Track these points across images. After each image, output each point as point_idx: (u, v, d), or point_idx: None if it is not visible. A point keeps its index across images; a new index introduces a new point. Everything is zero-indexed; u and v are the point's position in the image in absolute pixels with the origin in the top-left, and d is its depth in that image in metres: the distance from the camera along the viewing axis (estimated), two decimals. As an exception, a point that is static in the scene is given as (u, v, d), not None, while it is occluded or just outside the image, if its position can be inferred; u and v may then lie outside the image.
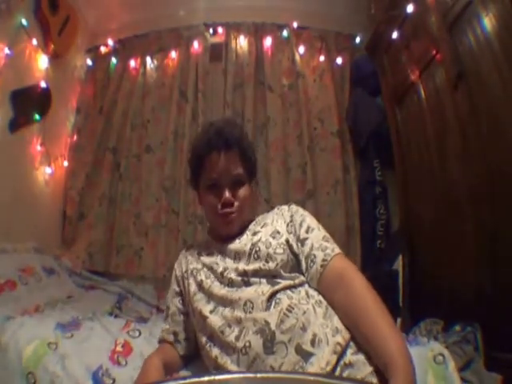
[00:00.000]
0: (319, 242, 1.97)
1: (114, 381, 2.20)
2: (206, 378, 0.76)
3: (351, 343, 1.62)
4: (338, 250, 1.94)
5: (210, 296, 1.97)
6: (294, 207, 2.29)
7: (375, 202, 4.83)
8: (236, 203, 2.17)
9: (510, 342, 2.51)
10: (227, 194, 2.14)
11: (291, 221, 2.18)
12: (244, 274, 1.94)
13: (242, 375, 0.79)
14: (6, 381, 2.32)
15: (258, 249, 2.02)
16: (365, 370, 1.51)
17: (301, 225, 2.12)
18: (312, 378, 0.69)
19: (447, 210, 3.37)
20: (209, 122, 2.43)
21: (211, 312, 1.90)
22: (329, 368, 1.47)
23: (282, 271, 1.90)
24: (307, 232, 2.07)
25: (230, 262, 2.07)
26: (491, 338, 2.63)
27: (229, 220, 2.17)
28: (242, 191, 2.21)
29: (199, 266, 2.20)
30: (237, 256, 2.08)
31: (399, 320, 3.68)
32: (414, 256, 3.83)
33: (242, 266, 1.98)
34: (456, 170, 3.24)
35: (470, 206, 3.05)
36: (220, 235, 2.29)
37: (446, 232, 3.40)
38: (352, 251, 4.97)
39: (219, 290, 1.94)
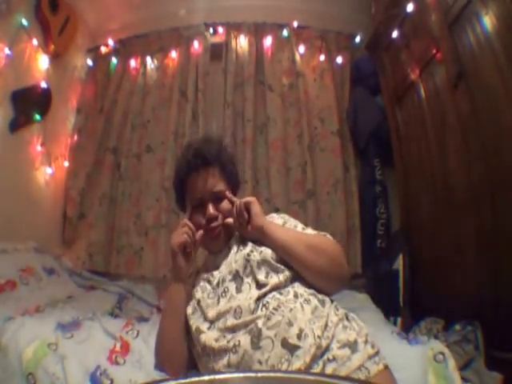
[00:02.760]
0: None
1: (111, 381, 2.20)
2: (206, 378, 0.76)
3: (337, 338, 1.68)
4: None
5: (206, 316, 2.00)
6: (284, 216, 2.45)
7: (375, 202, 4.83)
8: (220, 216, 2.27)
9: (510, 341, 2.51)
10: (211, 209, 2.24)
11: (284, 223, 2.34)
12: (236, 274, 2.06)
13: (242, 374, 0.79)
14: (6, 382, 2.32)
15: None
16: (350, 365, 1.57)
17: (295, 226, 2.31)
18: (312, 377, 0.69)
19: (447, 210, 3.38)
20: (187, 142, 2.56)
21: (208, 329, 1.95)
22: (309, 360, 1.56)
23: (269, 256, 2.03)
24: (303, 230, 2.27)
25: (223, 270, 2.16)
26: (491, 337, 2.64)
27: (215, 234, 2.28)
28: (226, 205, 2.29)
29: (198, 282, 2.26)
30: (231, 263, 2.16)
31: (400, 319, 3.68)
32: (415, 255, 3.83)
33: (233, 266, 2.10)
34: (456, 169, 3.25)
35: (470, 205, 3.05)
36: (211, 250, 2.43)
37: (446, 231, 3.41)
38: (352, 251, 4.95)
39: (213, 309, 1.99)
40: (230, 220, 2.28)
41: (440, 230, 3.51)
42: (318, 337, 1.62)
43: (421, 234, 3.88)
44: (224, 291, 2.02)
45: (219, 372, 1.68)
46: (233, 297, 1.96)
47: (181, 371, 2.07)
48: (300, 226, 2.31)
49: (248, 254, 2.08)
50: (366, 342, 1.68)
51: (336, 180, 5.19)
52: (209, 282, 2.18)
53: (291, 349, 1.58)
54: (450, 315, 3.00)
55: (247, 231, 2.21)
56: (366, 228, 4.97)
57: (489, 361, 2.51)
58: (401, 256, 3.86)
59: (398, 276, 3.80)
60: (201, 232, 2.25)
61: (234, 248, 2.23)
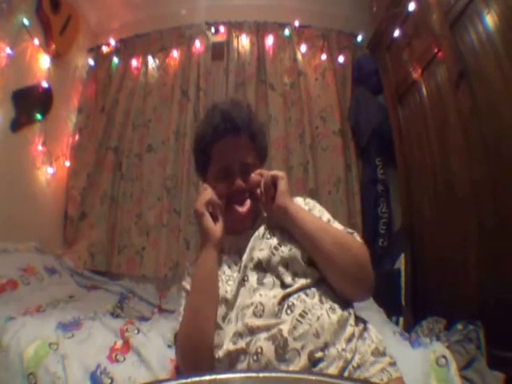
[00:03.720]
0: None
1: (112, 380, 2.20)
2: (207, 377, 0.75)
3: (359, 350, 1.59)
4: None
5: (223, 302, 1.78)
6: (309, 201, 2.20)
7: (377, 201, 4.82)
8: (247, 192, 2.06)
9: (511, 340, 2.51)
10: (239, 181, 2.02)
11: (309, 210, 2.07)
12: (259, 264, 1.84)
13: (243, 374, 0.78)
14: (7, 382, 2.32)
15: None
16: (373, 369, 1.56)
17: (320, 216, 2.05)
18: (314, 377, 0.69)
19: (449, 209, 3.38)
20: (212, 104, 2.25)
21: (223, 319, 1.73)
22: (337, 372, 1.48)
23: (299, 256, 1.81)
24: (329, 222, 2.02)
25: (246, 255, 1.90)
26: (493, 337, 2.63)
27: (241, 212, 2.05)
28: (253, 178, 2.04)
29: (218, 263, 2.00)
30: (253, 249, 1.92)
31: (401, 319, 3.68)
32: (416, 254, 3.82)
33: (257, 253, 1.88)
34: (458, 167, 3.25)
35: (472, 204, 3.05)
36: (234, 229, 2.11)
37: (448, 230, 3.40)
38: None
39: (231, 297, 1.78)
40: (258, 191, 2.03)
41: (442, 229, 3.51)
42: (343, 350, 1.53)
43: (423, 232, 3.88)
44: (244, 279, 1.82)
45: (220, 372, 1.44)
46: (253, 288, 1.76)
47: (205, 368, 1.67)
48: (326, 217, 2.06)
49: (276, 248, 1.86)
50: (385, 353, 1.65)
51: (338, 179, 5.18)
52: (228, 266, 1.96)
53: (315, 361, 1.48)
54: (452, 314, 2.99)
55: (271, 209, 1.98)
56: (367, 227, 4.96)
57: (490, 360, 2.50)
58: (403, 255, 3.85)
59: (400, 275, 3.80)
60: (223, 201, 2.02)
61: (261, 231, 1.98)
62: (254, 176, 2.03)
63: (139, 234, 5.39)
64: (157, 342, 2.48)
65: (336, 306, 1.70)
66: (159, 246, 5.23)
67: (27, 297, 3.49)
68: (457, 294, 3.21)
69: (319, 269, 1.82)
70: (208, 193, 2.00)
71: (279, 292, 1.70)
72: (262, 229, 1.99)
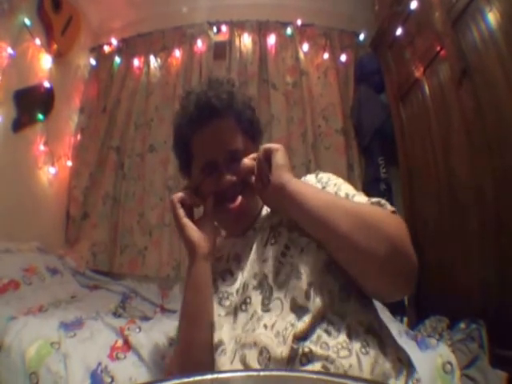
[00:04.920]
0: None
1: (112, 379, 2.20)
2: (209, 377, 0.75)
3: None
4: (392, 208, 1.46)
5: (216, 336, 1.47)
6: (323, 176, 1.80)
7: (380, 200, 4.81)
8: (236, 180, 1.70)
9: (515, 339, 2.51)
10: (226, 175, 1.68)
11: (323, 188, 1.67)
12: (263, 280, 1.46)
13: (244, 373, 0.77)
14: (9, 381, 2.32)
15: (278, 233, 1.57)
16: None
17: (337, 191, 1.62)
18: (315, 376, 0.68)
19: (452, 208, 3.37)
20: (186, 91, 1.90)
21: (216, 348, 1.42)
22: None
23: (313, 258, 1.41)
24: (348, 197, 1.57)
25: (246, 268, 1.58)
26: (496, 336, 2.63)
27: (235, 210, 1.71)
28: (246, 163, 1.71)
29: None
30: (257, 251, 1.58)
31: (405, 318, 3.67)
32: (419, 254, 3.80)
33: (260, 267, 1.51)
34: (460, 167, 3.24)
35: (474, 203, 3.04)
36: (228, 231, 1.91)
37: (450, 229, 3.40)
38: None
39: (226, 328, 1.47)
40: (252, 179, 1.69)
41: (444, 228, 3.50)
42: None
43: (425, 232, 3.86)
44: (245, 302, 1.47)
45: (222, 371, 1.31)
46: (257, 316, 1.38)
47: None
48: (344, 191, 1.61)
49: (283, 253, 1.48)
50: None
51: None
52: (223, 278, 1.65)
53: None
54: (455, 314, 2.99)
55: (267, 194, 1.60)
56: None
57: (493, 359, 2.51)
58: (405, 254, 3.84)
59: (403, 274, 3.79)
60: (210, 200, 1.71)
61: (264, 235, 1.61)
62: (246, 161, 1.70)
63: (141, 234, 5.38)
64: (158, 341, 2.47)
65: (369, 338, 1.26)
66: (161, 246, 5.22)
67: (29, 297, 3.49)
68: (459, 293, 3.21)
69: (342, 266, 1.37)
70: (177, 195, 1.71)
71: (289, 327, 1.27)
72: (265, 231, 1.61)
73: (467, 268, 3.15)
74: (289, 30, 5.70)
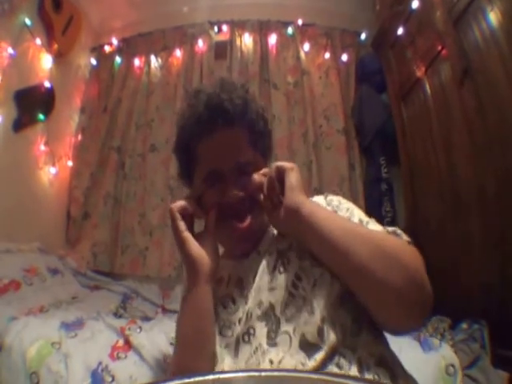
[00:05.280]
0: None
1: (113, 378, 2.20)
2: (210, 377, 0.74)
3: None
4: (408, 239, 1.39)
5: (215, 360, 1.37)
6: (333, 198, 1.67)
7: (381, 200, 4.80)
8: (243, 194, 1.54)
9: (517, 339, 2.50)
10: (233, 190, 1.52)
11: (334, 212, 1.54)
12: (270, 311, 1.33)
13: (246, 374, 0.77)
14: (10, 381, 2.33)
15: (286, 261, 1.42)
16: None
17: (351, 216, 1.51)
18: (316, 376, 0.67)
19: (454, 208, 3.36)
20: (195, 89, 1.71)
21: None
22: None
23: (326, 292, 1.29)
24: (362, 223, 1.47)
25: (250, 295, 1.42)
26: (498, 336, 2.63)
27: (240, 229, 1.55)
28: (255, 179, 1.54)
29: None
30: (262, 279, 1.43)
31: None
32: (421, 253, 3.81)
33: (266, 295, 1.37)
34: (462, 166, 3.23)
35: (476, 202, 3.04)
36: (232, 252, 1.71)
37: (452, 230, 3.39)
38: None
39: (225, 362, 1.34)
40: (261, 197, 1.54)
41: (446, 229, 3.50)
42: None
43: (427, 232, 3.86)
44: (248, 333, 1.33)
45: (223, 372, 1.25)
46: (262, 350, 1.26)
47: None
48: (357, 216, 1.51)
49: (294, 284, 1.35)
50: None
51: (341, 178, 5.17)
52: (224, 305, 1.50)
53: None
54: (457, 314, 2.98)
55: (279, 217, 1.45)
56: (371, 226, 4.95)
57: (495, 359, 2.50)
58: (407, 254, 3.84)
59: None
60: (213, 213, 1.55)
61: (270, 260, 1.46)
62: (257, 177, 1.53)
63: (142, 234, 5.37)
64: (159, 341, 2.47)
65: (380, 371, 1.17)
66: (163, 246, 5.21)
67: (30, 297, 3.49)
68: (461, 294, 3.20)
69: (355, 297, 1.27)
70: (177, 205, 1.54)
71: (299, 366, 1.17)
72: (272, 256, 1.47)
73: (469, 268, 3.14)
74: (290, 30, 5.70)
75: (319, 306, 1.26)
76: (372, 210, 4.91)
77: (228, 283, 1.59)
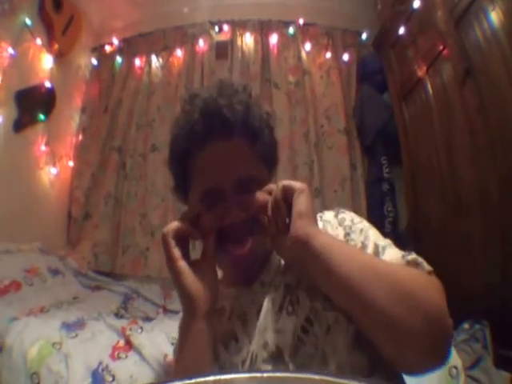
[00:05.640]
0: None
1: (113, 378, 2.20)
2: (211, 378, 0.73)
3: None
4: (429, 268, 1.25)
5: None
6: (344, 217, 1.49)
7: (383, 200, 4.79)
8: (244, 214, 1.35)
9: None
10: (234, 210, 1.33)
11: (347, 235, 1.40)
12: (278, 356, 1.19)
13: (248, 375, 0.75)
14: (10, 381, 2.33)
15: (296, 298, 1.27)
16: None
17: (364, 240, 1.35)
18: (318, 377, 0.66)
19: (455, 208, 3.36)
20: (192, 93, 1.50)
21: None
22: None
23: (342, 341, 1.15)
24: (377, 249, 1.32)
25: (255, 335, 1.28)
26: (500, 336, 2.62)
27: (241, 256, 1.36)
28: (259, 197, 1.36)
29: None
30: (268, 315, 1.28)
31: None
32: (422, 254, 3.80)
33: (272, 337, 1.23)
34: (464, 166, 3.23)
35: (478, 202, 3.03)
36: (232, 278, 1.53)
37: (454, 230, 3.38)
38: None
39: None
40: (263, 219, 1.36)
41: (448, 229, 3.49)
42: None
43: (428, 232, 3.86)
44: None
45: (224, 372, 0.97)
46: None
47: None
48: (372, 239, 1.35)
49: (304, 329, 1.20)
50: None
51: (343, 178, 5.17)
52: (225, 344, 1.34)
53: None
54: (458, 314, 2.97)
55: (283, 245, 1.27)
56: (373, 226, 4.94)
57: (497, 359, 2.50)
58: (408, 254, 3.84)
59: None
60: (212, 238, 1.36)
61: (275, 294, 1.32)
62: (260, 196, 1.35)
63: (143, 234, 5.36)
64: (160, 341, 2.47)
65: None
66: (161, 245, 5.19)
67: (31, 298, 3.49)
68: (463, 294, 3.19)
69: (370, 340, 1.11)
70: (171, 228, 1.37)
71: None
72: (278, 290, 1.32)
73: (471, 268, 3.14)
74: (291, 30, 5.69)
75: (333, 354, 1.14)
76: (374, 210, 4.91)
77: (230, 316, 1.42)
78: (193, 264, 1.35)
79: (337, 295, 1.15)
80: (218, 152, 1.38)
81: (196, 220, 1.38)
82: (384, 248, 1.31)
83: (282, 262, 1.43)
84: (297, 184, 1.28)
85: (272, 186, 1.36)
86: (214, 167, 1.38)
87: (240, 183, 1.35)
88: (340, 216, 1.50)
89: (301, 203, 1.25)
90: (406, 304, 1.03)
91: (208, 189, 1.37)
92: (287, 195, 1.28)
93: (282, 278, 1.35)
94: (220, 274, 1.48)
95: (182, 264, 1.31)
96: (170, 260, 1.33)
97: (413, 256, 1.25)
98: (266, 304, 1.30)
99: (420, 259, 1.25)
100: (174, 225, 1.38)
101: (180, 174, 1.51)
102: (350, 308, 1.12)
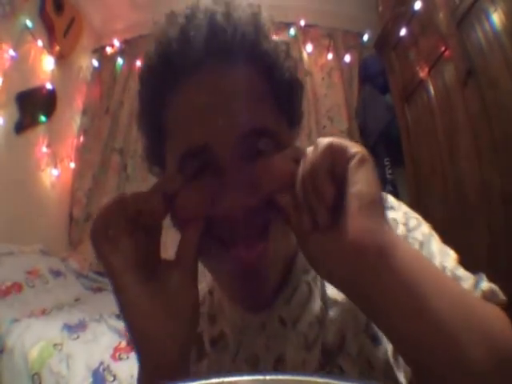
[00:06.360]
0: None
1: (114, 378, 2.20)
2: (214, 380, 0.67)
3: None
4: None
5: None
6: (397, 217, 1.04)
7: (386, 202, 4.79)
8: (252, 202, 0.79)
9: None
10: (235, 189, 0.78)
11: (422, 244, 0.97)
12: None
13: (250, 377, 0.66)
14: (12, 383, 2.33)
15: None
16: None
17: (433, 253, 0.96)
18: (322, 380, 0.61)
19: (458, 209, 3.35)
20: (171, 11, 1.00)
21: None
22: None
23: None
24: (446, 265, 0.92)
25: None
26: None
27: (251, 271, 0.83)
28: (277, 167, 0.81)
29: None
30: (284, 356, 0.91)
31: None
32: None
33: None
34: (467, 167, 3.22)
35: (481, 204, 3.02)
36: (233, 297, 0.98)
37: (457, 232, 3.37)
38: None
39: None
40: (285, 203, 0.77)
41: (451, 231, 3.48)
42: None
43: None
44: None
45: (227, 375, 0.68)
46: None
47: None
48: (438, 262, 0.92)
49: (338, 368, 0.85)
50: None
51: (345, 179, 5.14)
52: None
53: None
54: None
55: (326, 256, 0.72)
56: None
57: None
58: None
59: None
60: (198, 224, 0.84)
61: (306, 356, 0.89)
62: (281, 164, 0.80)
63: (145, 235, 5.35)
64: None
65: None
66: (166, 248, 5.13)
67: (32, 299, 3.49)
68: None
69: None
70: (109, 207, 0.80)
71: None
72: (313, 350, 0.88)
73: (475, 269, 3.12)
74: (292, 31, 5.67)
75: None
76: (376, 212, 4.90)
77: (235, 358, 0.97)
78: (160, 271, 0.85)
79: (414, 344, 0.65)
80: (209, 88, 0.83)
81: (171, 199, 0.84)
82: (454, 270, 0.92)
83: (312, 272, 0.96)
84: (353, 146, 0.72)
85: (299, 149, 0.82)
86: (202, 113, 0.81)
87: (245, 142, 0.82)
88: (409, 218, 1.06)
89: (364, 181, 0.69)
90: (476, 338, 0.65)
91: (191, 149, 0.82)
92: (335, 164, 0.71)
93: (320, 330, 0.90)
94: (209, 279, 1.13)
95: (128, 280, 0.76)
96: (108, 272, 0.77)
97: (487, 284, 0.88)
98: (292, 361, 0.89)
99: (494, 287, 0.89)
100: (127, 198, 0.81)
101: (152, 129, 0.96)
102: (421, 361, 0.66)
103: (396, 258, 0.65)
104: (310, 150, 0.75)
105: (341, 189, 0.70)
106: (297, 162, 0.77)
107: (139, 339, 0.76)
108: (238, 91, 0.83)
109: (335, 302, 0.91)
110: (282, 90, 0.92)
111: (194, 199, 0.83)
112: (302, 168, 0.74)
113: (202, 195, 0.82)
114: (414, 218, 1.05)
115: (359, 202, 0.67)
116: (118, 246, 0.77)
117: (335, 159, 0.70)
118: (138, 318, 0.75)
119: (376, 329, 0.84)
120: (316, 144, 0.73)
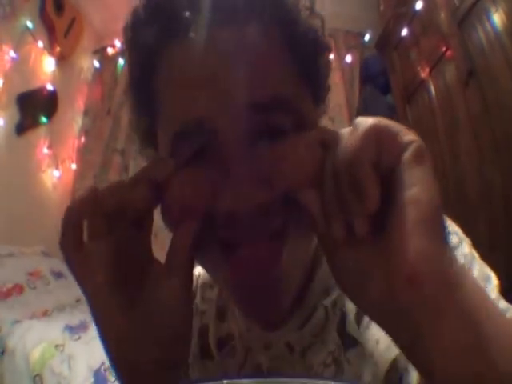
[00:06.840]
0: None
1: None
2: (215, 382, 0.65)
3: None
4: None
5: None
6: (451, 233, 0.92)
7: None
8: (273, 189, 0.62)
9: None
10: (242, 185, 0.60)
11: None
12: None
13: (251, 380, 0.63)
14: (13, 384, 2.33)
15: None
16: None
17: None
18: (322, 381, 0.58)
19: (459, 210, 3.34)
20: None
21: None
22: None
23: None
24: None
25: None
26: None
27: (254, 278, 0.67)
28: (302, 149, 0.61)
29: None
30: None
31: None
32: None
33: None
34: (468, 167, 3.22)
35: (483, 205, 3.02)
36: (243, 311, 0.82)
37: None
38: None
39: None
40: (304, 196, 0.59)
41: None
42: None
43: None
44: None
45: (227, 376, 0.75)
46: None
47: None
48: (487, 283, 0.81)
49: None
50: None
51: (346, 180, 5.13)
52: None
53: None
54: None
55: (367, 274, 0.54)
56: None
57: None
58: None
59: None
60: (193, 223, 0.66)
61: (323, 351, 0.79)
62: (303, 149, 0.61)
63: (146, 236, 5.34)
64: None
65: None
66: (166, 248, 5.18)
67: (33, 301, 3.48)
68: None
69: None
70: (82, 201, 0.63)
71: None
72: (325, 348, 0.79)
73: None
74: (293, 31, 5.63)
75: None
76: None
77: (243, 365, 0.89)
78: (141, 285, 0.69)
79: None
80: (210, 46, 0.65)
81: (162, 188, 0.68)
82: (498, 300, 0.79)
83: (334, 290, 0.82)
84: (406, 132, 0.58)
85: (329, 130, 0.64)
86: (200, 78, 0.65)
87: (257, 116, 0.64)
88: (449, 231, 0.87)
89: (423, 183, 0.53)
90: None
91: (187, 126, 0.66)
92: (381, 155, 0.54)
93: (336, 373, 0.77)
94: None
95: (105, 300, 0.63)
96: (81, 290, 0.66)
97: None
98: (309, 362, 0.80)
99: None
100: (92, 195, 0.64)
101: (143, 101, 0.79)
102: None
103: (459, 293, 0.49)
104: (344, 131, 0.58)
105: (386, 188, 0.53)
106: (325, 147, 0.60)
107: (119, 366, 0.64)
108: (249, 52, 0.65)
109: (354, 342, 0.76)
110: (305, 53, 0.73)
111: (189, 191, 0.66)
112: (335, 156, 0.56)
113: (199, 186, 0.65)
114: (454, 234, 0.89)
115: (417, 212, 0.51)
116: (93, 254, 0.62)
117: (382, 147, 0.53)
118: (116, 342, 0.63)
119: (395, 379, 0.71)
120: (354, 124, 0.56)
